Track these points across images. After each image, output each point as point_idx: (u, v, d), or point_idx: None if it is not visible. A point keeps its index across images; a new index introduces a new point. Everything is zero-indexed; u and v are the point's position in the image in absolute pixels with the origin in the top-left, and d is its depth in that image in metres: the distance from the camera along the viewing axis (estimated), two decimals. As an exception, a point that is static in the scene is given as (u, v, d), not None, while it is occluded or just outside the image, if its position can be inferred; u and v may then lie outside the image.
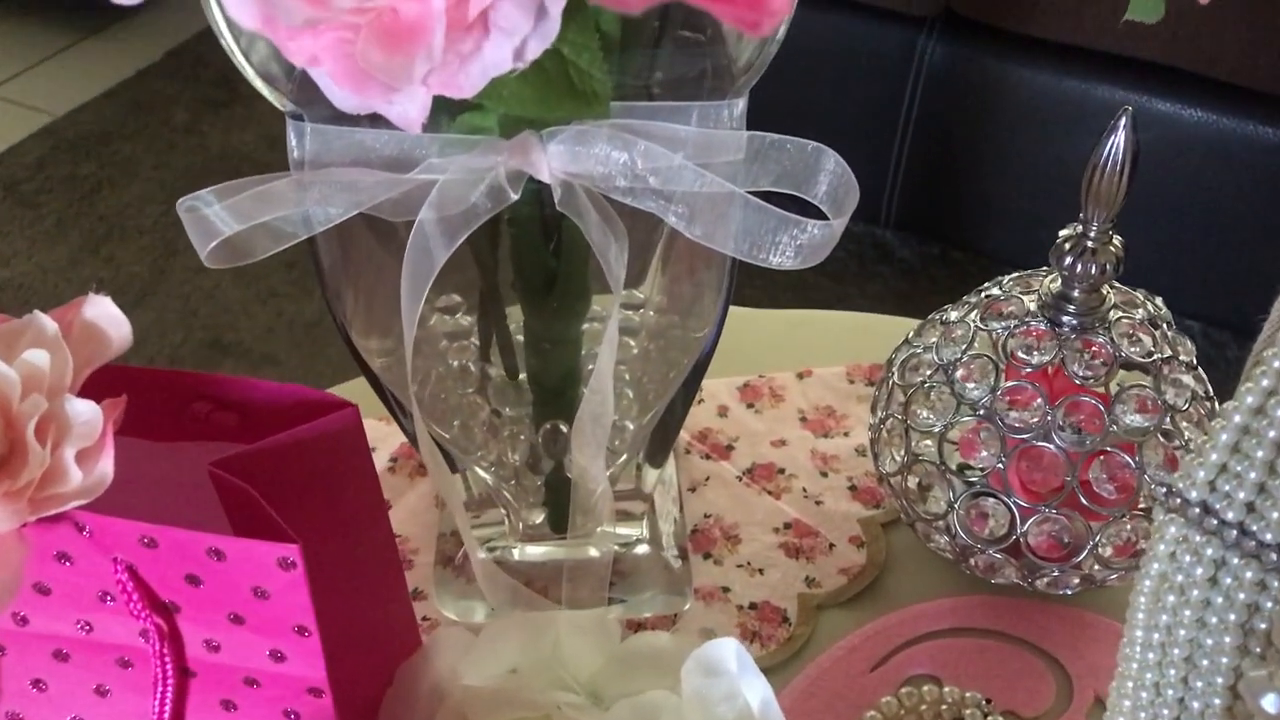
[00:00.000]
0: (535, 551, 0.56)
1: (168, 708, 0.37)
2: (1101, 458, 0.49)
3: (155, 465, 0.39)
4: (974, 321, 0.52)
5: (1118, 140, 0.46)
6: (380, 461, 0.62)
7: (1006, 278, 0.54)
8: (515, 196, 0.38)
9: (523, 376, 0.52)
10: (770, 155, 0.38)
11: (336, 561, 0.37)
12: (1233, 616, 0.36)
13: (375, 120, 0.38)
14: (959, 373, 0.51)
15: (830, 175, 0.38)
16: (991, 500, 0.51)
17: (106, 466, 0.33)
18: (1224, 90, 1.28)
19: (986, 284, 0.55)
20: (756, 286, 1.25)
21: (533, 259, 0.47)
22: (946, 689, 0.50)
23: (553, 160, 0.37)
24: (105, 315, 0.36)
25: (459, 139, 0.37)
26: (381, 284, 0.48)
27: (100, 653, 0.38)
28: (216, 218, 0.36)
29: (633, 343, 0.53)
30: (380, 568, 0.41)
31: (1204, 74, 1.28)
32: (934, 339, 0.54)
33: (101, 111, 1.92)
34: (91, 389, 0.36)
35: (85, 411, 0.34)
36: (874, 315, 0.70)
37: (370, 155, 0.38)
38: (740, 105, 0.38)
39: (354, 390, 0.64)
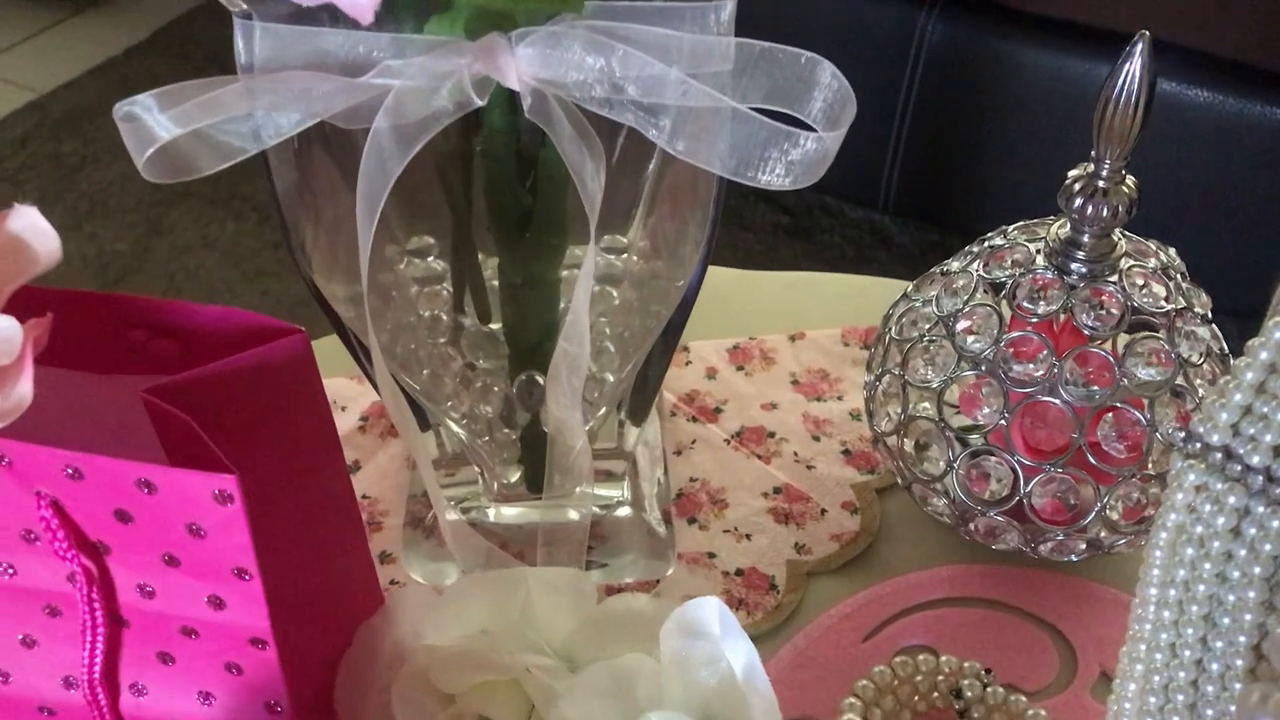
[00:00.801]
0: (510, 513, 0.53)
1: (99, 659, 0.34)
2: (1110, 414, 0.46)
3: (89, 399, 0.36)
4: (977, 271, 0.49)
5: (1133, 69, 0.43)
6: (350, 421, 0.59)
7: (1011, 226, 0.51)
8: (480, 103, 0.35)
9: (497, 326, 0.49)
10: (760, 67, 0.35)
11: (283, 502, 0.34)
12: (1257, 570, 0.33)
13: (333, 22, 0.35)
14: (960, 325, 0.48)
15: (825, 90, 0.35)
16: (993, 459, 0.48)
17: (25, 388, 0.30)
18: (1232, 69, 1.26)
19: (990, 233, 0.52)
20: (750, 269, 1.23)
21: (507, 195, 0.44)
22: (944, 658, 0.47)
23: (522, 65, 0.34)
24: (31, 228, 0.33)
25: (421, 39, 0.34)
26: (344, 220, 0.45)
27: (25, 599, 0.35)
28: (155, 123, 0.33)
29: (614, 293, 0.50)
30: (335, 515, 0.38)
31: (1211, 52, 1.25)
32: (934, 292, 0.51)
33: (87, 89, 1.89)
34: (17, 311, 0.33)
35: (3, 328, 0.31)
36: (871, 278, 0.67)
37: (325, 59, 0.35)
38: (729, 8, 0.35)
39: (326, 348, 0.62)
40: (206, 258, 1.60)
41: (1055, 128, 1.35)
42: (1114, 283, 0.47)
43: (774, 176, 0.34)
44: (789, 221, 1.63)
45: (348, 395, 0.60)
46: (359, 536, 0.40)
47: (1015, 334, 0.47)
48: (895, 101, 1.43)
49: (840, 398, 0.60)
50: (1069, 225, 0.47)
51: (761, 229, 1.62)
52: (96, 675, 0.35)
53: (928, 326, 0.50)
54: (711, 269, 0.68)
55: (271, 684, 0.35)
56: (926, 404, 0.50)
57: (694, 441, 0.58)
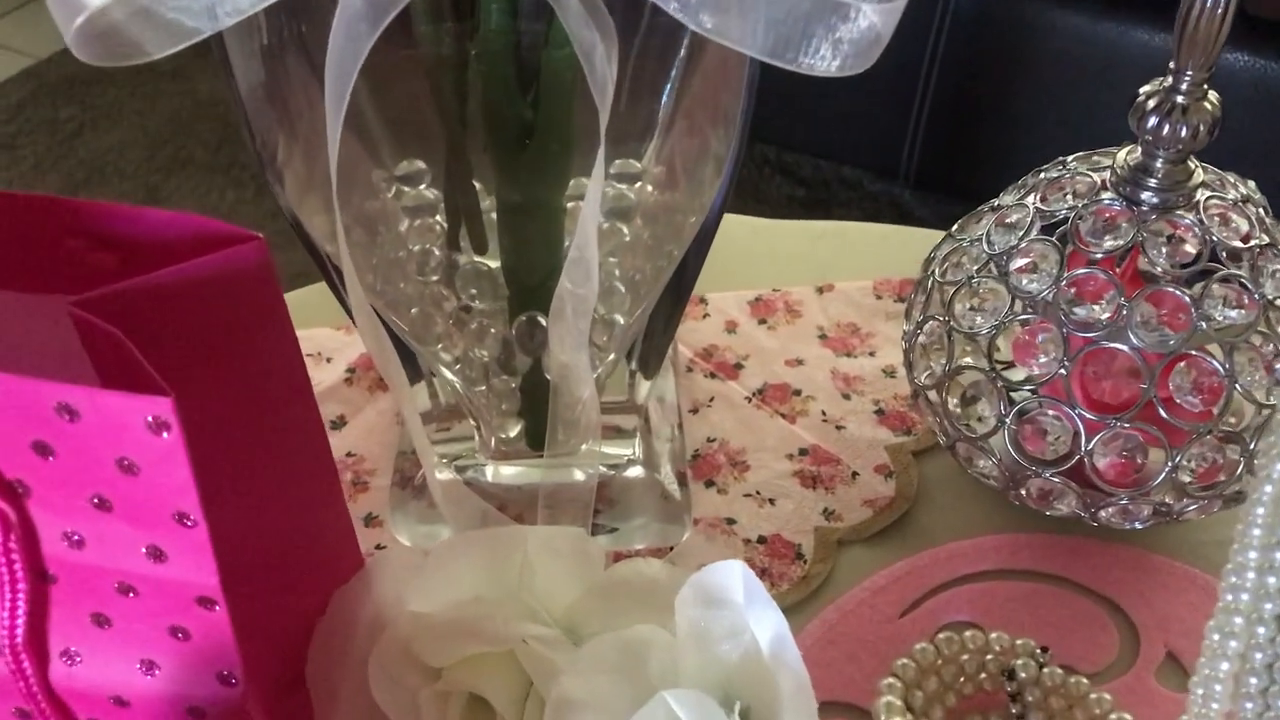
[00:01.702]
0: (510, 472, 0.48)
1: (20, 621, 0.29)
2: (1185, 363, 0.41)
3: (16, 323, 0.31)
4: (1033, 204, 0.44)
5: (1223, -38, 0.38)
6: (336, 373, 0.54)
7: (1070, 157, 0.46)
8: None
9: (496, 264, 0.44)
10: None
11: (237, 438, 0.29)
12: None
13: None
14: (1014, 263, 0.43)
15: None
16: (1050, 414, 0.42)
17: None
18: (1271, 30, 1.20)
19: (1044, 166, 0.47)
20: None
21: (505, 106, 0.39)
22: (994, 635, 0.42)
23: (520, -79, 0.29)
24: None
25: (401, -110, 0.29)
26: (321, 135, 0.40)
27: (-63, 551, 0.30)
28: (87, -10, 0.28)
29: (625, 229, 0.45)
30: (303, 460, 0.33)
31: (1251, 13, 1.19)
32: (983, 229, 0.45)
33: (86, 55, 1.83)
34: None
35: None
36: (907, 227, 0.62)
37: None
38: None
39: (313, 297, 0.57)
40: (205, 227, 1.55)
41: (1087, 96, 1.30)
42: (1190, 214, 0.41)
43: (818, 59, 0.29)
44: (805, 194, 1.57)
45: (333, 346, 0.55)
46: (333, 488, 0.35)
47: (1078, 271, 0.42)
48: (918, 67, 1.37)
49: (872, 353, 0.55)
50: (1140, 149, 0.42)
51: (776, 202, 1.57)
52: (19, 639, 0.30)
53: (976, 268, 0.45)
54: (731, 217, 0.63)
55: (224, 651, 0.30)
56: (974, 354, 0.45)
57: (712, 399, 0.53)
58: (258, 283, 0.29)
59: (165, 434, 0.26)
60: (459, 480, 0.46)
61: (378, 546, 0.47)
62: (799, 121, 1.52)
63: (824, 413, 0.52)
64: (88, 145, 1.67)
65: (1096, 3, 1.27)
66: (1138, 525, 0.44)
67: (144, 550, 0.29)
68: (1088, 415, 0.42)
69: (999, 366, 0.43)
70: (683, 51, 0.40)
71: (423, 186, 0.44)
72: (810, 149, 1.55)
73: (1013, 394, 0.43)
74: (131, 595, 0.30)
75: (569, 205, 0.43)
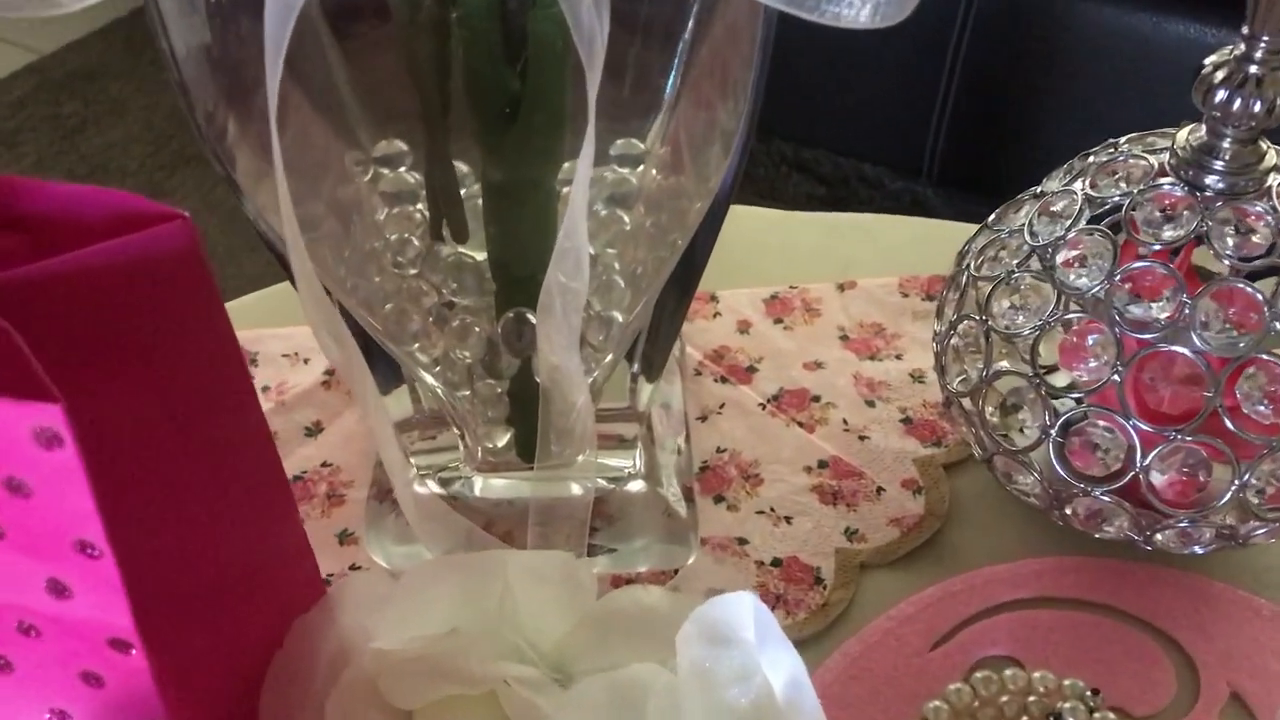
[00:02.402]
0: (500, 485, 0.44)
1: (-94, 664, 0.25)
2: (1254, 368, 0.36)
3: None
4: (1082, 190, 0.39)
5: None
6: (313, 375, 0.50)
7: (1122, 139, 0.41)
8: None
9: (482, 257, 0.39)
10: None
11: (156, 451, 0.25)
12: None
13: None
14: (1061, 255, 0.38)
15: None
16: (1101, 425, 0.38)
17: None
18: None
19: (1093, 149, 0.42)
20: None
21: (489, 76, 0.35)
22: (1036, 675, 0.37)
23: None
24: None
25: None
26: (283, 114, 0.36)
27: None
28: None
29: (626, 217, 0.41)
30: (243, 475, 0.29)
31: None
32: (1025, 218, 0.41)
33: (91, 50, 1.80)
34: None
35: None
36: (935, 220, 0.57)
37: None
38: None
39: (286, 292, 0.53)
40: (209, 223, 1.51)
41: (1119, 91, 1.24)
42: (1261, 202, 0.37)
43: (845, 7, 0.25)
44: (824, 193, 1.53)
45: (311, 346, 0.51)
46: (284, 506, 0.31)
47: (1135, 265, 0.37)
48: (942, 60, 1.32)
49: (899, 356, 0.50)
50: (1205, 128, 0.37)
51: (795, 201, 1.52)
52: (-95, 685, 0.25)
53: (1016, 261, 0.40)
54: (746, 209, 0.58)
55: (144, 700, 0.26)
56: (1014, 357, 0.40)
57: (723, 406, 0.48)
58: (184, 268, 0.25)
59: (57, 449, 0.22)
60: (435, 495, 0.41)
61: (353, 567, 0.43)
62: (817, 117, 1.47)
63: (845, 421, 0.47)
64: (90, 141, 1.63)
65: (1129, -7, 1.22)
66: (1198, 550, 0.40)
67: (44, 584, 0.24)
68: (1143, 427, 0.37)
69: (1042, 371, 0.39)
70: (692, 17, 0.35)
71: (403, 169, 0.40)
72: (829, 145, 1.51)
73: (1058, 402, 0.39)
74: (33, 635, 0.25)
75: (564, 190, 0.39)
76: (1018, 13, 1.28)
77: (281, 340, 0.51)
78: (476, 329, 0.39)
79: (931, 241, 0.55)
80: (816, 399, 0.48)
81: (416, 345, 0.39)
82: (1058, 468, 0.39)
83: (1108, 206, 0.39)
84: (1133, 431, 0.37)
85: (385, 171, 0.40)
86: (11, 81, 1.75)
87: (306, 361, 0.50)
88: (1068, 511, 0.40)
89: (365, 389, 0.33)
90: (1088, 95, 1.27)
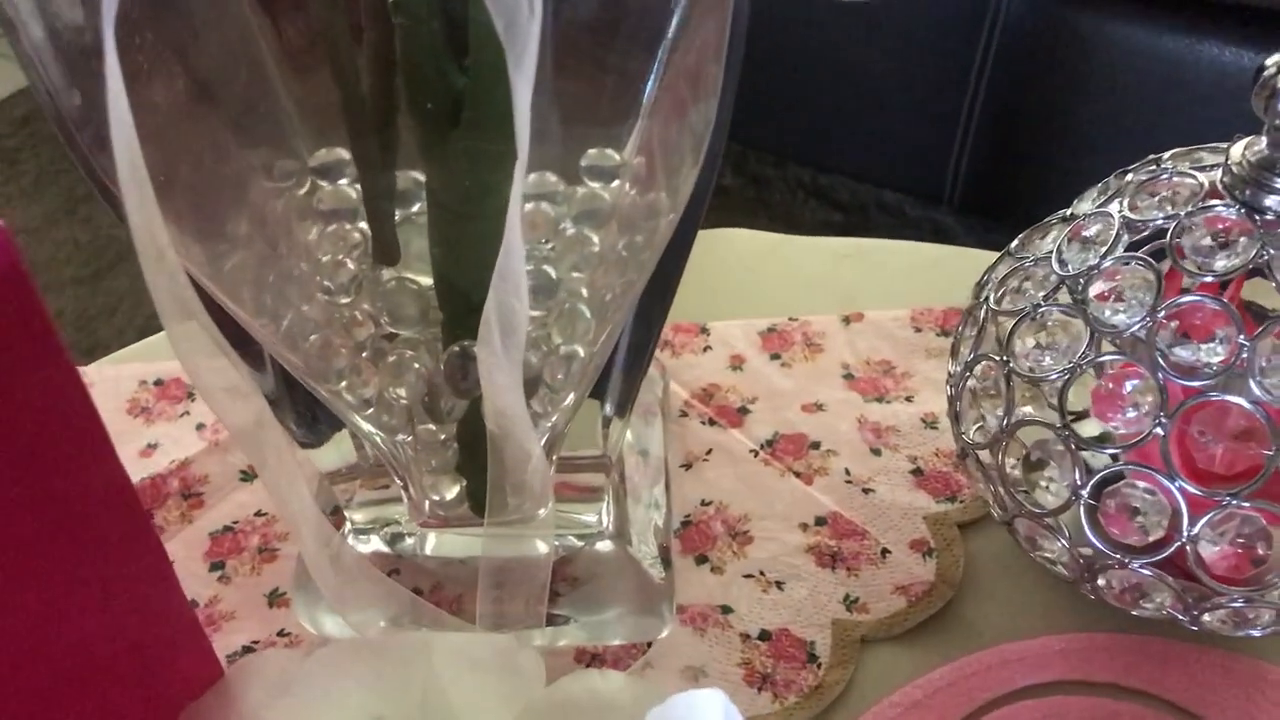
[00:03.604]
0: (451, 543, 0.39)
1: None
2: (1324, 423, 0.31)
3: None
4: (1118, 212, 0.34)
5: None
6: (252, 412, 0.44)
7: (1165, 155, 0.36)
8: None
9: (427, 281, 0.34)
10: None
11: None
12: None
13: None
14: (1095, 288, 0.33)
15: None
16: (1141, 486, 0.32)
17: None
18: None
19: (1130, 166, 0.37)
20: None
21: (430, 71, 0.30)
22: (1065, 781, 0.31)
23: None
24: None
25: None
26: (175, 109, 0.31)
27: None
28: None
29: (594, 237, 0.35)
30: (104, 537, 0.23)
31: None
32: (1052, 244, 0.36)
33: (96, 68, 1.77)
34: None
35: None
36: (950, 247, 0.52)
37: None
38: None
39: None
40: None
41: (1150, 116, 1.19)
42: (1332, 227, 0.31)
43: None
44: (841, 219, 1.48)
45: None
46: (162, 570, 0.25)
47: (1182, 300, 0.32)
48: (965, 83, 1.27)
49: (909, 398, 0.45)
50: (1265, 141, 0.32)
51: (811, 228, 1.47)
52: None
53: (1043, 294, 0.35)
54: (741, 231, 0.53)
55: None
56: (1039, 404, 0.35)
57: (709, 452, 0.43)
58: (7, 290, 0.20)
59: None
60: (360, 554, 0.36)
61: (281, 633, 0.38)
62: (834, 142, 1.42)
63: (848, 471, 0.42)
64: (90, 160, 1.60)
65: (1160, 14, 1.17)
66: (1254, 633, 0.34)
67: None
68: (1191, 489, 0.32)
69: (1073, 421, 0.33)
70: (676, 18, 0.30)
71: (343, 182, 0.35)
72: (847, 171, 1.46)
73: (1090, 458, 0.33)
74: None
75: (529, 205, 0.34)
76: (1044, 33, 1.23)
77: (220, 373, 0.45)
78: (416, 365, 0.34)
79: (947, 269, 0.50)
80: (816, 446, 0.43)
81: (344, 384, 0.34)
82: (1090, 534, 0.33)
83: (1149, 232, 0.34)
84: (1178, 494, 0.32)
85: (323, 184, 0.35)
86: (17, 99, 1.72)
87: (246, 397, 0.45)
88: (1100, 584, 0.35)
89: (239, 426, 0.28)
90: (1117, 120, 1.22)
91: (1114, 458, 0.33)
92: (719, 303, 0.48)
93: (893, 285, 0.50)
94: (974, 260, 0.50)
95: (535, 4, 0.22)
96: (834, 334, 0.47)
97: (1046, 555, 0.36)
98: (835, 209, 1.49)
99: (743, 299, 0.49)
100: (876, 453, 0.43)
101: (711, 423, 0.44)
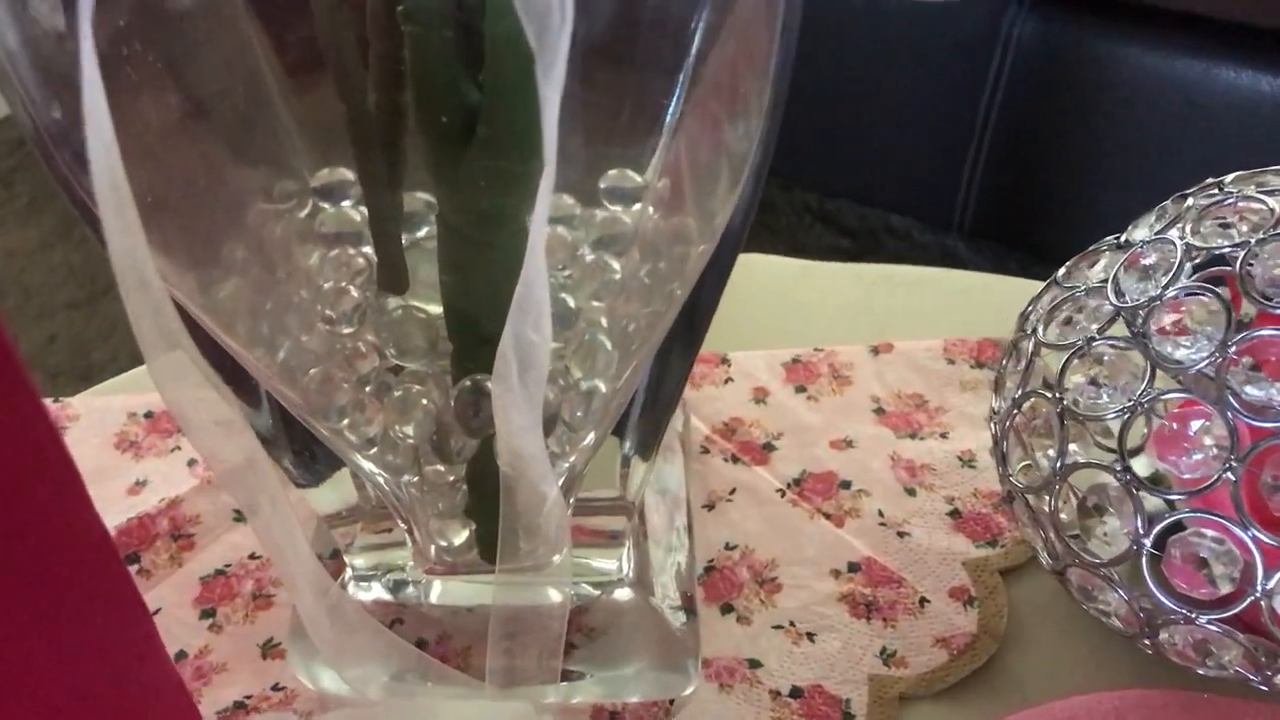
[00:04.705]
0: (457, 591, 0.36)
1: None
2: None
3: None
4: (1181, 238, 0.32)
5: None
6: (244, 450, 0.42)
7: (1228, 178, 0.34)
8: None
9: (437, 310, 0.32)
10: None
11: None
12: None
13: None
14: (1157, 320, 0.31)
15: None
16: (1210, 535, 0.30)
17: None
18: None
19: (1188, 190, 0.34)
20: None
21: (443, 84, 0.28)
22: None
23: None
24: None
25: None
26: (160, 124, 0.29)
27: None
28: None
29: (617, 265, 0.33)
30: (71, 590, 0.21)
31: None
32: (1103, 274, 0.33)
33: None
34: None
35: None
36: (986, 274, 0.49)
37: None
38: None
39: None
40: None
41: (1163, 141, 1.17)
42: None
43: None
44: (849, 245, 1.46)
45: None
46: (138, 628, 0.23)
47: (1255, 334, 0.29)
48: (976, 107, 1.25)
49: (944, 435, 0.42)
50: (1344, 162, 0.30)
51: (818, 253, 1.45)
52: None
53: (1097, 326, 0.32)
54: (765, 258, 0.51)
55: None
56: (1093, 445, 0.32)
57: (733, 491, 0.40)
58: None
59: None
60: (358, 603, 0.33)
61: (275, 687, 0.35)
62: (842, 166, 1.40)
63: (881, 513, 0.40)
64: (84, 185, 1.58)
65: (1174, 37, 1.15)
66: (1332, 694, 0.31)
67: None
68: (1265, 539, 0.29)
69: (1132, 463, 0.31)
70: (705, 11, 0.28)
71: (347, 204, 0.33)
72: (854, 196, 1.44)
73: (1152, 503, 0.31)
74: None
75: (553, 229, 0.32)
76: (1056, 56, 1.21)
77: (207, 405, 0.43)
78: (424, 401, 0.31)
79: (979, 298, 0.47)
80: (846, 485, 0.40)
81: (346, 422, 0.31)
82: (1153, 587, 0.31)
83: (1213, 260, 0.31)
84: (1251, 544, 0.29)
85: (325, 206, 0.33)
86: (8, 121, 1.70)
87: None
88: (1162, 639, 0.32)
89: (223, 465, 0.26)
90: (1130, 145, 1.20)
91: (1171, 503, 0.31)
92: (739, 331, 0.46)
93: (922, 314, 0.48)
94: (1007, 288, 0.47)
95: (567, 10, 0.20)
96: (862, 365, 0.45)
97: (1101, 608, 0.33)
98: (842, 234, 1.47)
99: (764, 328, 0.47)
100: (911, 493, 0.40)
101: (735, 460, 0.41)
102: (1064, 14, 1.20)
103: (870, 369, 0.45)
